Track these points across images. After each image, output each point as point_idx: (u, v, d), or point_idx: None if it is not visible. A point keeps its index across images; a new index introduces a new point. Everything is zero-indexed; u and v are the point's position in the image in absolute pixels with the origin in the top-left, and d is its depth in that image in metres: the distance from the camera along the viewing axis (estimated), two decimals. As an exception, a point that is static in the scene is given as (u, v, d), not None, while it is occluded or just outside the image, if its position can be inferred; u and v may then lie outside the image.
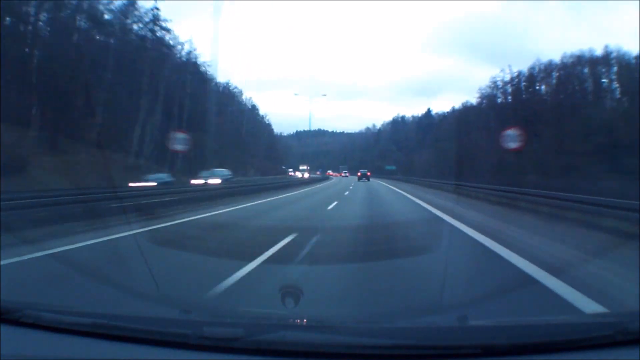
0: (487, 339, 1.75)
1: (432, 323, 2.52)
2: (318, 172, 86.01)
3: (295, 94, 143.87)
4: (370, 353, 1.72)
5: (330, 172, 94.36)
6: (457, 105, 74.37)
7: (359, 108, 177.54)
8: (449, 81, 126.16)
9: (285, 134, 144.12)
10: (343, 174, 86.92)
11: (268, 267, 5.71)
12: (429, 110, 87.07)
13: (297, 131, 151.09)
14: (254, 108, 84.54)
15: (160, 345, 1.79)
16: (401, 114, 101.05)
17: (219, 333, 1.79)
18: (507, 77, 48.12)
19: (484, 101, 51.31)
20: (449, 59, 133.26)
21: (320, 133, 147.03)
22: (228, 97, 63.75)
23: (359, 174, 56.67)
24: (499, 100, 49.77)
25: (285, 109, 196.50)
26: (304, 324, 2.18)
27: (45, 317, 1.97)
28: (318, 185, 38.96)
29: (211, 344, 1.75)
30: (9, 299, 2.30)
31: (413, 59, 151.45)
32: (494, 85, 49.56)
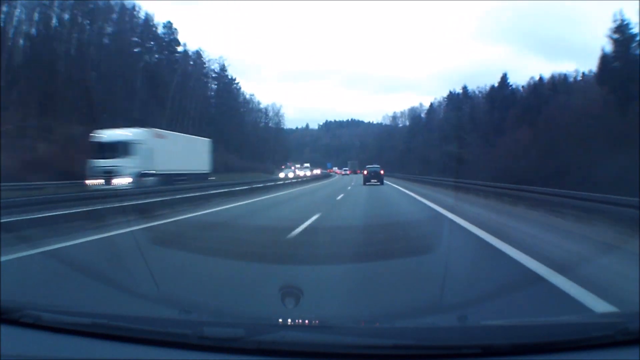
0: (487, 339, 1.75)
1: (432, 323, 2.52)
2: (318, 171, 74.17)
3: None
4: (370, 353, 1.72)
5: (335, 169, 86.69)
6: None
7: (401, 101, 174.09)
8: (495, 75, 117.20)
9: (312, 127, 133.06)
10: (343, 172, 76.50)
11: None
12: (504, 78, 58.65)
13: (326, 121, 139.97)
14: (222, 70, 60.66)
15: (160, 345, 1.79)
16: (456, 92, 73.22)
17: (219, 333, 1.78)
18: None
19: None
20: (495, 50, 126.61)
21: (354, 123, 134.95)
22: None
23: (365, 172, 35.49)
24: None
25: (320, 102, 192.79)
26: (304, 324, 2.18)
27: (45, 317, 1.97)
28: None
29: (211, 344, 1.74)
30: (9, 299, 2.30)
31: (457, 52, 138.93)
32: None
